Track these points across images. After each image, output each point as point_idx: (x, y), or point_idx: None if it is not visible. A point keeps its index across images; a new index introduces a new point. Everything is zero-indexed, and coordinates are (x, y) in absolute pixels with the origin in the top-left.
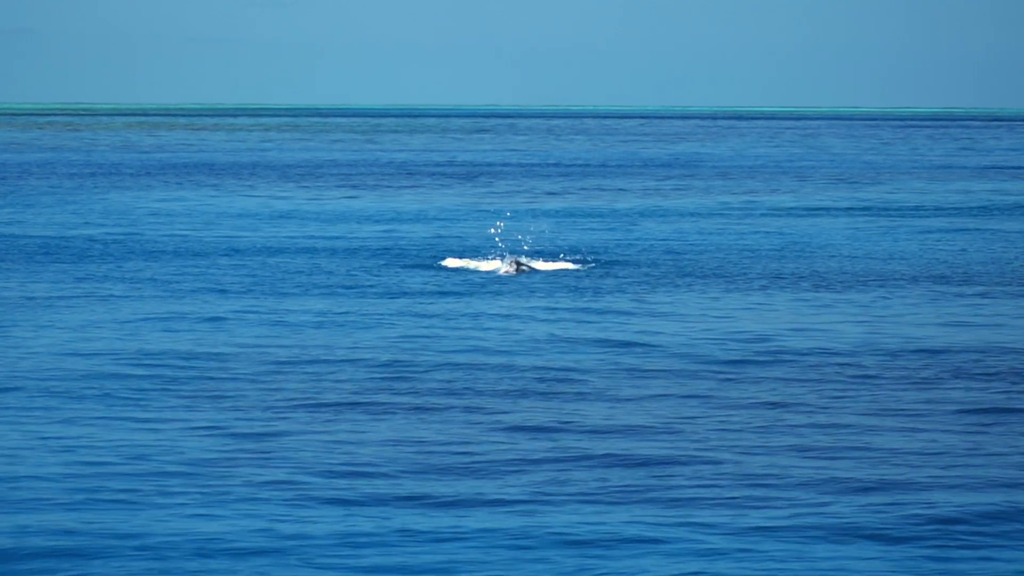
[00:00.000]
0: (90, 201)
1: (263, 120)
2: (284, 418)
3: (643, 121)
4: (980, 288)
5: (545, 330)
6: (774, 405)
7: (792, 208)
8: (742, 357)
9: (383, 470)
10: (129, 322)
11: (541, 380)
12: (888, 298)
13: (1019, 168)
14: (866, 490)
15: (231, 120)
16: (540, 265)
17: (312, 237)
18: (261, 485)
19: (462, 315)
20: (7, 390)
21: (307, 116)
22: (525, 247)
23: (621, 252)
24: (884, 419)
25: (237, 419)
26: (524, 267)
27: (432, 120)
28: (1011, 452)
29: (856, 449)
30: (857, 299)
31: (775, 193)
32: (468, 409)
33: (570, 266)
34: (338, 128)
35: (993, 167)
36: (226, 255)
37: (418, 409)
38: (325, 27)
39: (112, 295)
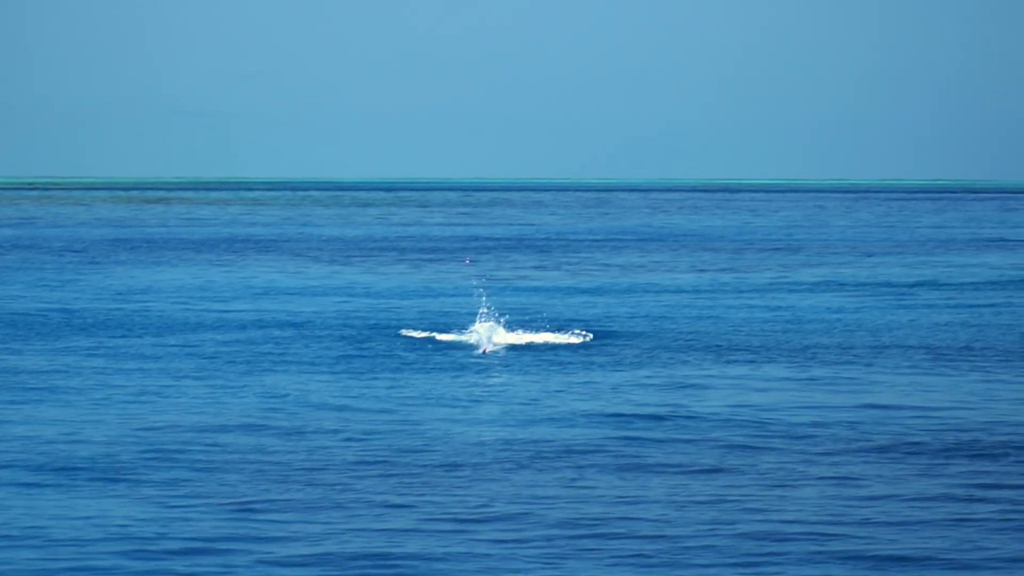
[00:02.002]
0: (71, 276)
1: (242, 194)
2: (282, 497)
3: (632, 193)
4: (988, 363)
5: (537, 404)
6: (777, 480)
7: (784, 283)
8: (743, 431)
9: (387, 549)
10: (116, 398)
11: (538, 456)
12: (888, 372)
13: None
14: (878, 567)
15: (210, 194)
16: (527, 339)
17: (297, 312)
18: (270, 564)
19: (451, 390)
20: None
21: (288, 190)
22: (511, 322)
23: (609, 326)
24: (891, 491)
25: (232, 498)
26: (510, 342)
27: (416, 193)
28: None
29: (865, 522)
30: (855, 373)
31: (764, 268)
32: (471, 481)
33: (557, 339)
34: (320, 202)
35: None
36: (213, 329)
37: (417, 485)
38: (304, 101)
39: (101, 370)
